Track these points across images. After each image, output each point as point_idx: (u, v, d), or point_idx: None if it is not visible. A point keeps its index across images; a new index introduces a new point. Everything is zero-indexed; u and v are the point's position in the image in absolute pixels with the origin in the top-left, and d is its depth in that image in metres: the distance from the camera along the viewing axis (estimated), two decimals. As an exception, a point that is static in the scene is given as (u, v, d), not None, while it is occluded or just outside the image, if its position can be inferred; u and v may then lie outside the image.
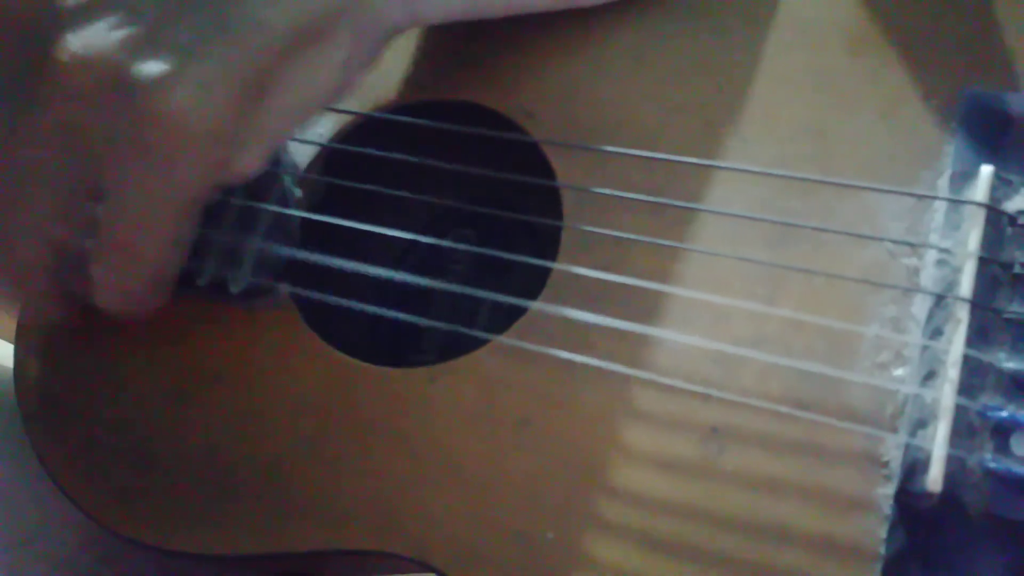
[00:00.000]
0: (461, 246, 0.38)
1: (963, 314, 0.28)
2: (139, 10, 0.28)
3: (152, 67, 0.27)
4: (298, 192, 0.38)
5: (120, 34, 0.28)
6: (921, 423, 0.28)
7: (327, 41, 0.30)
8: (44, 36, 0.28)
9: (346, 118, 0.39)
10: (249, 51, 0.28)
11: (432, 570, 0.32)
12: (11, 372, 0.39)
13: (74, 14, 0.28)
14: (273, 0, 0.29)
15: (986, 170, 0.30)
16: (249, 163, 0.30)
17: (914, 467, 0.27)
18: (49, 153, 0.29)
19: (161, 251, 0.31)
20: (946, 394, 0.27)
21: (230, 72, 0.28)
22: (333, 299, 0.35)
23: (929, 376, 0.28)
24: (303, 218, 0.37)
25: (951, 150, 0.31)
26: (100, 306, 0.33)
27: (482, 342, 0.34)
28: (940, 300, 0.29)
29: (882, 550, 0.28)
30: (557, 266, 0.34)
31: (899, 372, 0.29)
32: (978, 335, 0.28)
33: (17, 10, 0.30)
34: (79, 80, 0.28)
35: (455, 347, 0.34)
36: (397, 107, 0.39)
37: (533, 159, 0.36)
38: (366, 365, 0.35)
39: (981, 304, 0.28)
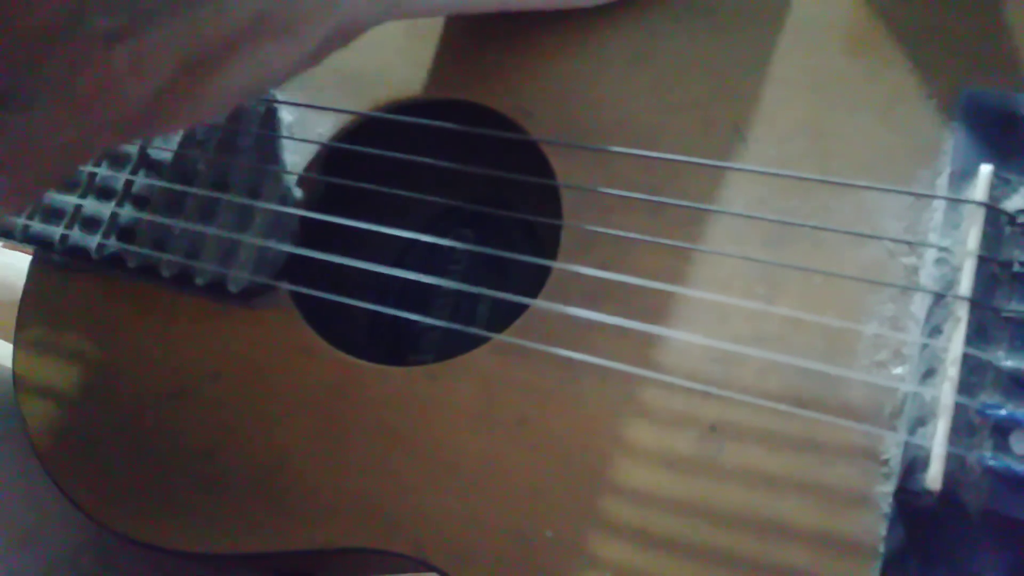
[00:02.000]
0: (461, 245, 0.38)
1: (962, 312, 0.28)
2: None
3: (105, 23, 0.27)
4: (298, 192, 0.38)
5: None
6: (920, 421, 0.28)
7: (292, 36, 0.30)
8: None
9: (346, 118, 0.39)
10: (202, 32, 0.28)
11: (432, 569, 0.32)
12: (11, 372, 0.39)
13: None
14: None
15: (985, 169, 0.30)
16: (168, 128, 0.30)
17: (913, 465, 0.27)
18: None
19: (40, 182, 0.30)
20: (945, 392, 0.27)
21: (177, 44, 0.28)
22: (333, 298, 0.35)
23: (928, 374, 0.28)
24: (303, 217, 0.37)
25: (950, 149, 0.31)
26: None
27: (481, 341, 0.34)
28: (939, 299, 0.29)
29: (881, 547, 0.28)
30: (557, 265, 0.34)
31: (898, 370, 0.29)
32: (977, 333, 0.28)
33: None
34: (35, 26, 0.28)
35: (454, 346, 0.34)
36: (397, 107, 0.39)
37: (532, 158, 0.36)
38: (366, 364, 0.35)
39: (980, 303, 0.28)
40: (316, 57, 0.32)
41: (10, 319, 0.41)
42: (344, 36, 0.33)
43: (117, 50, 0.27)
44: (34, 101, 0.28)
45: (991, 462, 0.27)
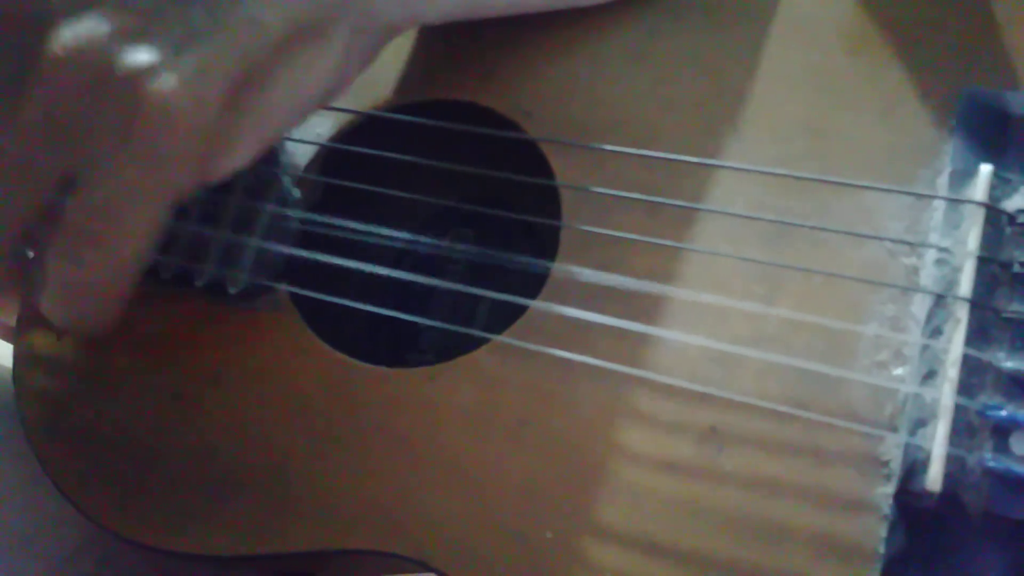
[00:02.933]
0: (460, 246, 0.38)
1: (963, 313, 0.28)
2: (132, 3, 0.28)
3: (142, 57, 0.27)
4: (297, 192, 0.38)
5: (112, 25, 0.28)
6: (921, 422, 0.28)
7: (323, 41, 0.30)
8: (37, 30, 0.28)
9: (345, 118, 0.39)
10: (241, 47, 0.28)
11: (432, 570, 0.32)
12: (11, 372, 0.39)
13: (67, 7, 0.28)
14: None
15: (985, 169, 0.30)
16: (234, 160, 0.30)
17: (914, 466, 0.27)
18: (32, 145, 0.29)
19: (131, 244, 0.30)
20: (946, 393, 0.27)
21: (220, 66, 0.28)
22: (333, 299, 0.35)
23: (929, 375, 0.28)
24: (302, 218, 0.37)
25: (950, 149, 0.31)
26: (47, 310, 0.31)
27: (481, 342, 0.34)
28: (940, 299, 0.29)
29: (882, 549, 0.27)
30: (556, 266, 0.33)
31: (899, 371, 0.29)
32: (978, 334, 0.28)
33: (10, 4, 0.30)
34: (69, 70, 0.28)
35: (454, 347, 0.34)
36: (396, 107, 0.39)
37: (532, 159, 0.36)
38: (365, 365, 0.35)
39: (981, 303, 0.28)
40: (346, 72, 0.32)
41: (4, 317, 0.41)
42: (363, 51, 0.33)
43: (165, 80, 0.27)
44: (99, 165, 0.28)
45: (991, 463, 0.27)
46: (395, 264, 0.35)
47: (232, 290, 0.36)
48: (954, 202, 0.30)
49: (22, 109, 0.29)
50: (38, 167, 0.30)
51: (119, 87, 0.27)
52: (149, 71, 0.27)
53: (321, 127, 0.39)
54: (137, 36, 0.28)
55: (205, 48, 0.28)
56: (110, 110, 0.28)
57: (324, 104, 0.33)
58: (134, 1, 0.28)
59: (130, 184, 0.28)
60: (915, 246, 0.30)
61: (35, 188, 0.30)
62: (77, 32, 0.28)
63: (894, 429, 0.29)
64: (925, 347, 0.29)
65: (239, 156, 0.30)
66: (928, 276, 0.30)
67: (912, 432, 0.28)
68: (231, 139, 0.29)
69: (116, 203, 0.29)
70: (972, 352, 0.28)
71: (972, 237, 0.29)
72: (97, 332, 0.31)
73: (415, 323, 0.34)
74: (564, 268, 0.33)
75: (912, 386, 0.28)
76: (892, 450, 0.28)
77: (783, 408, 0.29)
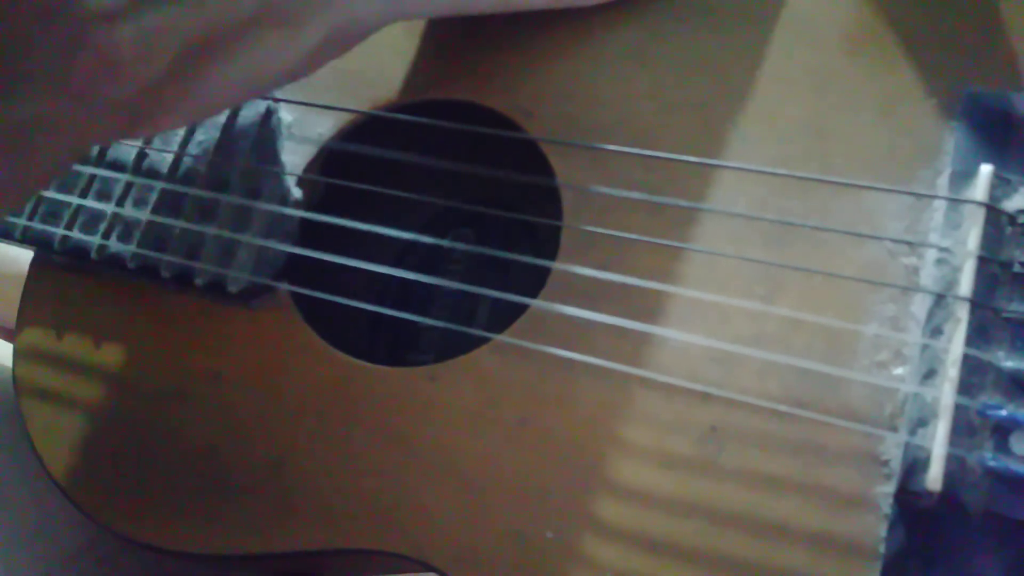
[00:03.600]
0: (460, 245, 0.38)
1: (963, 313, 0.28)
2: None
3: (106, 3, 0.26)
4: (297, 192, 0.38)
5: None
6: (921, 422, 0.28)
7: (294, 28, 0.29)
8: None
9: (346, 117, 0.39)
10: (207, 16, 0.28)
11: (432, 570, 0.32)
12: (11, 372, 0.39)
13: None
14: None
15: (986, 169, 0.30)
16: (169, 123, 0.29)
17: (914, 466, 0.27)
18: None
19: (32, 174, 0.29)
20: (946, 393, 0.27)
21: (182, 27, 0.27)
22: (333, 298, 0.35)
23: (929, 375, 0.28)
24: (302, 218, 0.37)
25: (950, 149, 0.31)
26: None
27: (481, 341, 0.34)
28: (940, 299, 0.29)
29: (882, 549, 0.27)
30: (556, 265, 0.34)
31: (899, 371, 0.29)
32: (978, 334, 0.28)
33: None
34: None
35: (454, 346, 0.34)
36: (397, 106, 0.39)
37: (533, 159, 0.36)
38: (366, 364, 0.35)
39: (981, 303, 0.28)
40: (314, 61, 0.32)
41: (10, 319, 0.41)
42: (344, 40, 0.32)
43: (120, 30, 0.26)
44: (27, 86, 0.27)
45: (991, 463, 0.27)
46: (396, 264, 0.35)
47: (232, 289, 0.36)
48: (954, 202, 0.30)
49: None
50: None
51: (73, 22, 0.26)
52: (106, 15, 0.26)
53: (322, 127, 0.39)
54: None
55: (171, 8, 0.27)
56: (57, 39, 0.27)
57: (281, 85, 0.32)
58: None
59: (52, 116, 0.28)
60: (915, 246, 0.30)
61: None
62: None
63: (894, 429, 0.29)
64: (925, 347, 0.29)
65: (175, 120, 0.30)
66: (928, 276, 0.30)
67: (912, 432, 0.28)
68: (171, 101, 0.29)
69: (32, 129, 0.28)
70: (972, 352, 0.28)
71: (972, 237, 0.29)
72: None
73: (415, 322, 0.35)
74: (564, 268, 0.33)
75: (912, 386, 0.28)
76: (892, 449, 0.28)
77: (783, 408, 0.29)
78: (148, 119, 0.29)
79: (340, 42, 0.32)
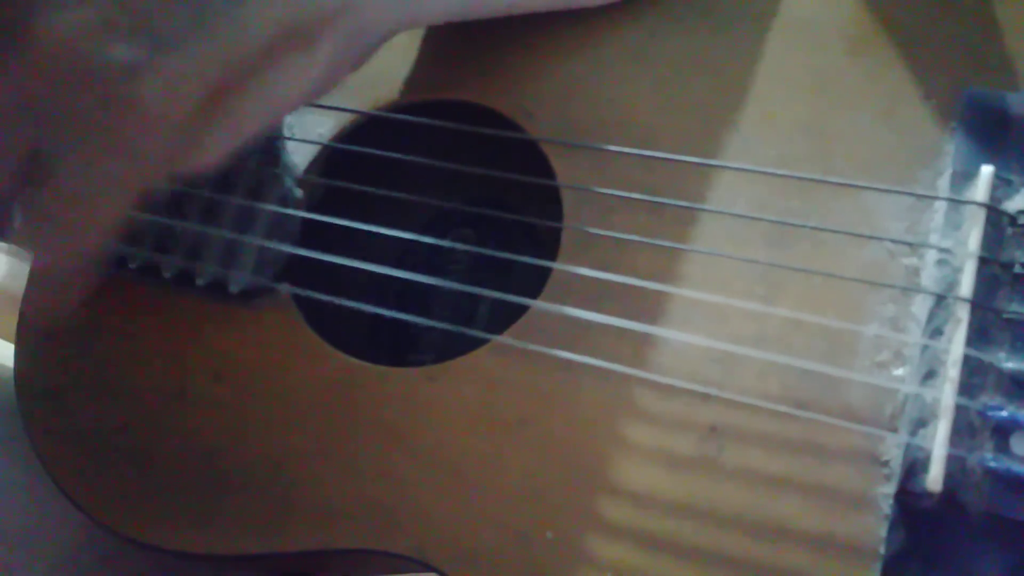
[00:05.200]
0: (461, 246, 0.38)
1: (963, 314, 0.28)
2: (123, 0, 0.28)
3: (126, 53, 0.27)
4: (298, 192, 0.38)
5: (100, 19, 0.28)
6: (921, 422, 0.28)
7: (310, 48, 0.30)
8: (25, 10, 0.28)
9: (346, 118, 0.39)
10: (225, 50, 0.28)
11: (432, 570, 0.32)
12: (11, 372, 0.39)
13: None
14: (260, 1, 0.29)
15: (986, 170, 0.30)
16: (206, 158, 0.30)
17: (914, 466, 0.27)
18: (2, 117, 0.29)
19: (97, 232, 0.30)
20: (946, 394, 0.27)
21: (202, 67, 0.28)
22: (333, 299, 0.35)
23: (929, 376, 0.28)
24: (303, 218, 0.37)
25: (951, 150, 0.31)
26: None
27: (482, 342, 0.34)
28: (940, 300, 0.29)
29: (882, 549, 0.27)
30: (557, 266, 0.34)
31: (899, 371, 0.29)
32: (978, 335, 0.28)
33: None
34: (52, 55, 0.28)
35: (455, 347, 0.34)
36: (397, 107, 0.39)
37: (533, 159, 0.36)
38: (366, 365, 0.35)
39: (981, 304, 0.28)
40: (331, 77, 0.32)
41: (11, 319, 0.41)
42: (357, 51, 0.32)
43: (144, 81, 0.27)
44: (71, 151, 0.29)
45: (992, 463, 0.27)
46: (396, 265, 0.35)
47: (233, 290, 0.36)
48: (955, 203, 0.30)
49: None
50: (4, 140, 0.30)
51: (99, 80, 0.28)
52: (130, 68, 0.27)
53: (323, 127, 0.39)
54: (124, 31, 0.28)
55: (188, 50, 0.28)
56: (88, 100, 0.28)
57: (304, 105, 0.33)
58: None
59: (100, 174, 0.29)
60: (916, 247, 0.30)
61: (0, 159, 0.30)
62: (67, 20, 0.28)
63: (894, 429, 0.29)
64: (925, 347, 0.29)
65: (211, 155, 0.30)
66: (929, 277, 0.30)
67: (912, 432, 0.28)
68: (204, 138, 0.29)
69: (86, 191, 0.29)
70: (973, 352, 0.28)
71: (973, 238, 0.29)
72: (53, 319, 0.32)
73: (416, 323, 0.34)
74: (565, 268, 0.33)
75: (912, 386, 0.28)
76: (892, 450, 0.28)
77: (784, 408, 0.29)
78: (184, 161, 0.30)
79: (353, 54, 0.32)
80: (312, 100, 0.33)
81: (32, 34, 0.28)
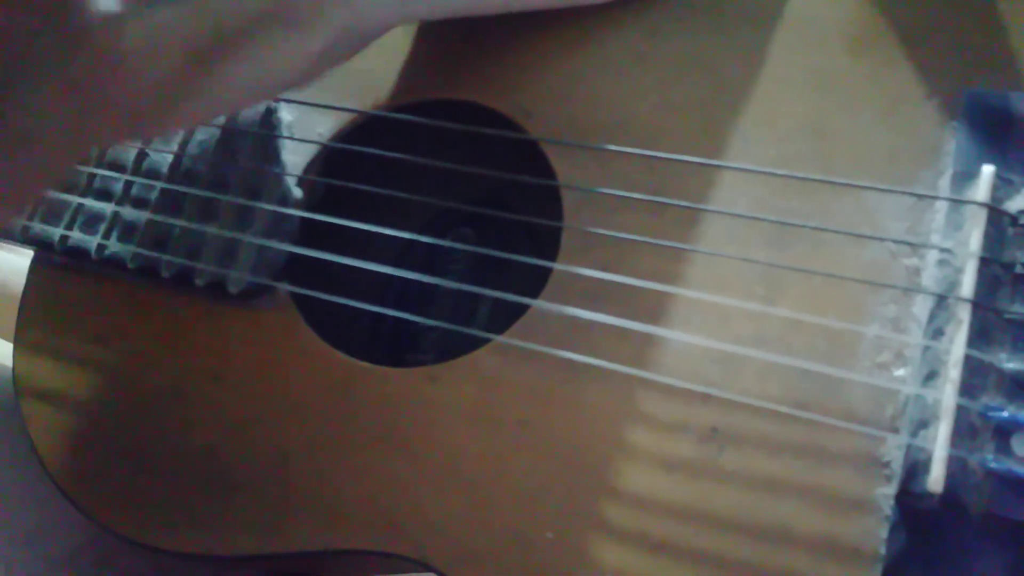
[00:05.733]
0: (460, 246, 0.38)
1: (964, 314, 0.28)
2: None
3: (110, 3, 0.26)
4: (298, 192, 0.38)
5: None
6: (922, 423, 0.28)
7: (302, 30, 0.29)
8: None
9: (346, 117, 0.39)
10: (212, 16, 0.27)
11: (432, 570, 0.32)
12: (11, 372, 0.39)
13: None
14: None
15: (987, 170, 0.29)
16: (177, 123, 0.29)
17: (915, 468, 0.27)
18: None
19: (37, 177, 0.29)
20: (947, 394, 0.27)
21: (185, 31, 0.27)
22: (333, 298, 0.35)
23: (930, 376, 0.28)
24: (302, 218, 0.37)
25: (952, 150, 0.31)
26: None
27: (482, 342, 0.34)
28: (941, 300, 0.29)
29: (883, 550, 0.27)
30: (557, 266, 0.33)
31: (900, 372, 0.29)
32: (979, 335, 0.28)
33: None
34: None
35: (455, 347, 0.34)
36: (397, 106, 0.39)
37: (533, 159, 0.36)
38: (366, 365, 0.35)
39: (982, 304, 0.28)
40: (322, 64, 0.31)
41: (10, 319, 0.41)
42: (352, 42, 0.32)
43: (124, 29, 0.26)
44: (29, 81, 0.27)
45: (993, 464, 0.27)
46: (396, 264, 0.35)
47: (233, 289, 0.36)
48: (956, 203, 0.30)
49: None
50: None
51: (76, 20, 0.26)
52: (112, 19, 0.26)
53: (322, 127, 0.39)
54: None
55: (175, 10, 0.27)
56: (52, 41, 0.26)
57: (289, 89, 0.32)
58: None
59: (54, 112, 0.27)
60: (917, 247, 0.30)
61: None
62: None
63: (895, 430, 0.28)
64: (926, 348, 0.29)
65: (183, 120, 0.29)
66: (930, 277, 0.30)
67: (913, 433, 0.28)
68: (179, 102, 0.28)
69: (37, 132, 0.27)
70: (974, 353, 0.28)
71: (974, 238, 0.29)
72: None
73: (416, 323, 0.34)
74: (565, 268, 0.33)
75: (913, 387, 0.28)
76: (893, 451, 0.28)
77: (784, 409, 0.29)
78: (153, 121, 0.29)
79: (348, 44, 0.32)
80: (302, 84, 0.32)
81: None
